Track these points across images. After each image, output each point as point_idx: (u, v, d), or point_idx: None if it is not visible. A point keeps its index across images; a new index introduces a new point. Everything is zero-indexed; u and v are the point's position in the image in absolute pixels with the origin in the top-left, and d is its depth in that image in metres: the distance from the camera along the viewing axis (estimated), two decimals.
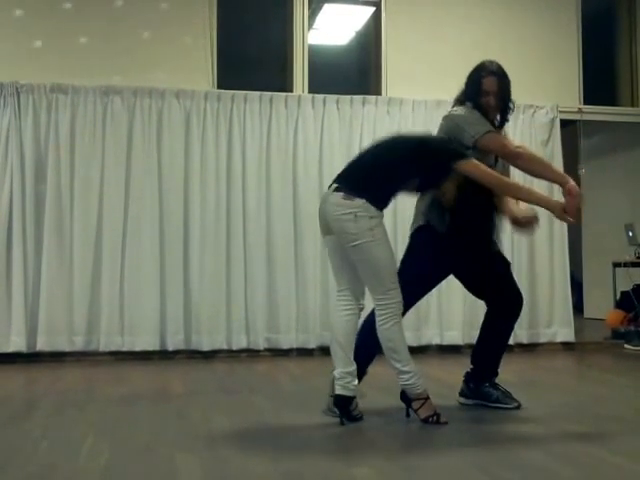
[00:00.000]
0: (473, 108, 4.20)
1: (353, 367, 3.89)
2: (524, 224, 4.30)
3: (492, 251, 4.31)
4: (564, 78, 7.89)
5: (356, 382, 3.91)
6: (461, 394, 4.47)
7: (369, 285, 3.89)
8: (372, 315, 3.98)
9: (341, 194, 3.80)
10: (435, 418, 3.85)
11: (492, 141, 4.11)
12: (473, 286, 4.45)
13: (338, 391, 3.86)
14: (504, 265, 4.42)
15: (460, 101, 4.29)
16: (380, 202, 3.84)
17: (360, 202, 3.75)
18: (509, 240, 7.39)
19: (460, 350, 7.05)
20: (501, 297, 4.35)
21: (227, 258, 6.93)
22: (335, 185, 3.87)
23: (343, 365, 3.87)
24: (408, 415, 3.95)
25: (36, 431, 3.80)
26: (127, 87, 6.88)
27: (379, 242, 3.78)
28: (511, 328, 4.44)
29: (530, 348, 7.42)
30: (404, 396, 3.95)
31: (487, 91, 4.19)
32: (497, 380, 4.41)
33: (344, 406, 3.86)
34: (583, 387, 5.48)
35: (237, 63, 7.55)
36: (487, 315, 4.43)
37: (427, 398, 3.90)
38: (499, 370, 4.44)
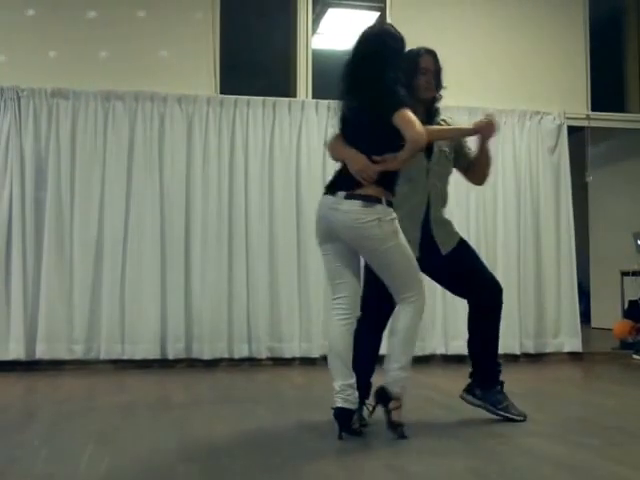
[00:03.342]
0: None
1: (353, 379, 3.80)
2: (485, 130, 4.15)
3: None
4: (571, 84, 7.82)
5: (357, 394, 3.81)
6: (468, 392, 4.34)
7: (396, 286, 3.82)
8: (363, 327, 3.92)
9: (359, 202, 3.72)
10: (401, 429, 3.73)
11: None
12: (445, 282, 4.36)
13: (339, 404, 3.75)
14: (470, 255, 4.28)
15: None
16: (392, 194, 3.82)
17: (380, 207, 3.71)
18: (515, 248, 7.34)
19: (465, 360, 6.94)
20: (475, 291, 4.22)
21: (229, 265, 6.86)
22: (344, 192, 3.76)
23: (343, 377, 3.78)
24: (371, 413, 3.89)
25: (35, 440, 3.76)
26: (129, 92, 6.83)
27: (403, 243, 3.76)
28: (496, 321, 4.25)
29: (537, 358, 7.34)
30: (382, 393, 3.78)
31: (425, 68, 4.11)
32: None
33: (345, 419, 3.76)
34: (590, 398, 5.41)
35: (240, 68, 7.54)
36: (469, 316, 4.31)
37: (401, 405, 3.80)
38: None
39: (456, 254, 4.20)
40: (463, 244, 4.30)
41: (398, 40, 3.89)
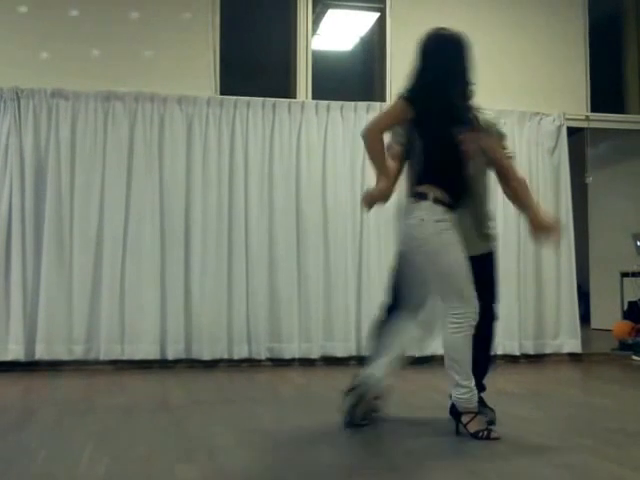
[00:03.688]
0: None
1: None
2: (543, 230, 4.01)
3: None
4: (571, 85, 7.82)
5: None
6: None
7: (441, 294, 3.74)
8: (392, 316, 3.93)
9: (410, 200, 3.69)
10: (485, 433, 3.69)
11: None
12: None
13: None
14: (481, 274, 3.93)
15: None
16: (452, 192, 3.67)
17: (425, 204, 3.62)
18: (515, 248, 7.33)
19: None
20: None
21: (229, 266, 6.85)
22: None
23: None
24: (458, 432, 3.78)
25: (34, 441, 3.74)
26: (129, 93, 6.82)
27: (448, 249, 3.64)
28: (485, 345, 4.08)
29: (536, 359, 7.33)
30: (453, 410, 3.82)
31: None
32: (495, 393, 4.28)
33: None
34: (589, 398, 5.41)
35: (240, 69, 7.52)
36: None
37: (477, 413, 3.75)
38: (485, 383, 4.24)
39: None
40: (484, 261, 4.05)
41: (449, 42, 4.00)
